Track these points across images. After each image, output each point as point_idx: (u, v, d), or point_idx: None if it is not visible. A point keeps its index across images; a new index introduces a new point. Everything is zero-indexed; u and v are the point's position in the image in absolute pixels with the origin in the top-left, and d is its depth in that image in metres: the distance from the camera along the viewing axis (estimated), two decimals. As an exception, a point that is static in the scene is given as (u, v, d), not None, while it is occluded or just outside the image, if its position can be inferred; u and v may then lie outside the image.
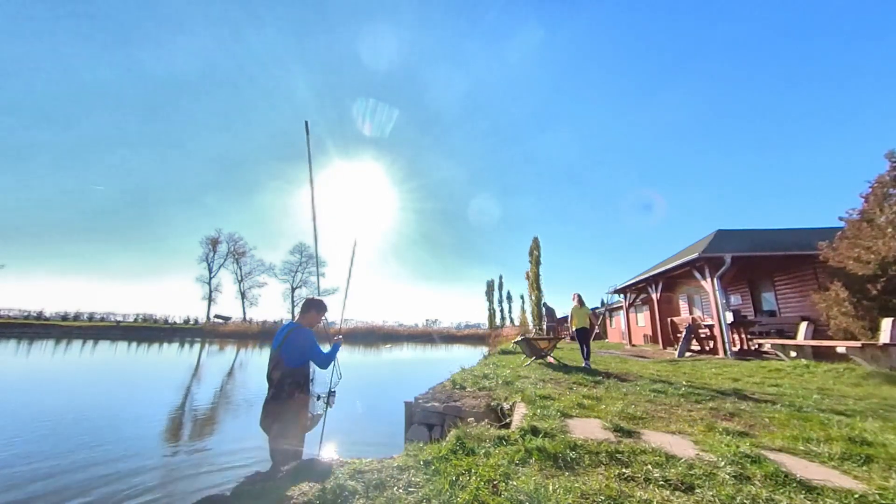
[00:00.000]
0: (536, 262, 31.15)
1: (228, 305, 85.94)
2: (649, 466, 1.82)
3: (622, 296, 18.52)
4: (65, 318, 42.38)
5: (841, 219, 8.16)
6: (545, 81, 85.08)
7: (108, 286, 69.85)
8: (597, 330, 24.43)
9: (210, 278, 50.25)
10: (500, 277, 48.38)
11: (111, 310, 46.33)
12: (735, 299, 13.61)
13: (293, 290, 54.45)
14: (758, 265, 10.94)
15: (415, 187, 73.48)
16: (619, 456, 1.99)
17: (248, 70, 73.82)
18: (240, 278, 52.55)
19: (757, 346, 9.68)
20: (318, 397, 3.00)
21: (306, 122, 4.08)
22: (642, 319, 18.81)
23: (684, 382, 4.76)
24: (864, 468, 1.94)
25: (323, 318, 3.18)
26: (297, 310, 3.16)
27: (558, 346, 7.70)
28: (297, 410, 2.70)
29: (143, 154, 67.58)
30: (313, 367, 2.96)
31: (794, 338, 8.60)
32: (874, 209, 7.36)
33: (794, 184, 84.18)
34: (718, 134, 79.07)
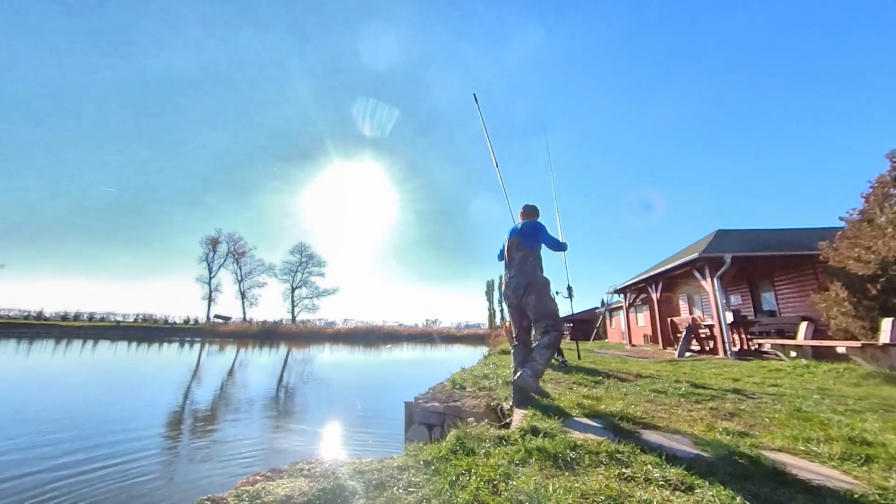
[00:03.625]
0: (536, 262, 31.10)
1: (228, 305, 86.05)
2: (649, 466, 1.82)
3: (622, 296, 18.51)
4: (65, 318, 42.38)
5: (841, 219, 8.15)
6: (544, 81, 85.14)
7: (108, 286, 70.03)
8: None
9: (210, 278, 50.35)
10: (501, 277, 48.43)
11: (111, 310, 46.49)
12: (735, 299, 13.61)
13: (293, 290, 54.50)
14: (758, 265, 10.94)
15: (415, 187, 73.65)
16: (619, 456, 1.98)
17: (248, 70, 73.90)
18: (240, 278, 52.64)
19: (757, 346, 9.68)
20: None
21: (475, 95, 5.06)
22: (642, 319, 18.81)
23: (684, 382, 4.76)
24: (864, 468, 1.94)
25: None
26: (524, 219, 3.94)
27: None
28: (546, 283, 3.41)
29: (142, 154, 67.75)
30: None
31: (794, 338, 8.60)
32: (874, 209, 7.35)
33: (794, 184, 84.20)
34: (719, 134, 79.10)
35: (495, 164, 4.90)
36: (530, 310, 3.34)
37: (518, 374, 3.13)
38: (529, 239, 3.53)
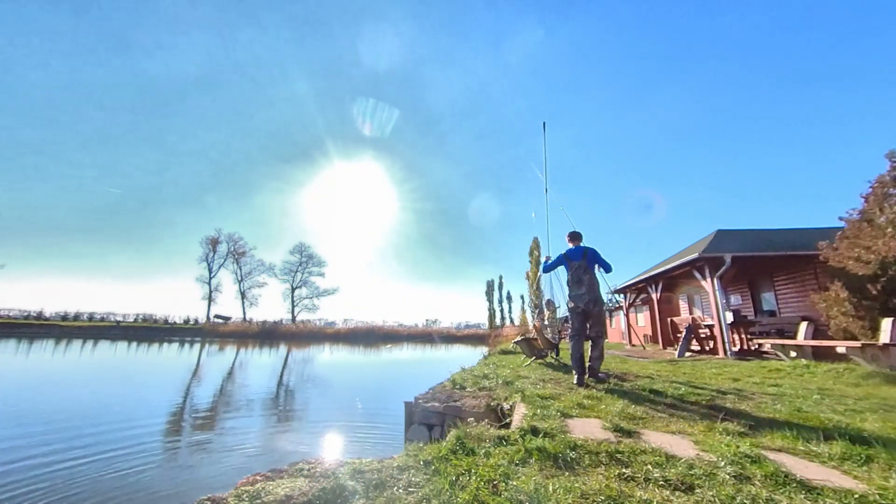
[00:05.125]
0: (536, 263, 31.11)
1: (228, 305, 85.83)
2: (649, 466, 1.82)
3: (622, 296, 18.50)
4: (65, 318, 42.37)
5: (841, 219, 8.15)
6: (544, 81, 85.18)
7: (108, 286, 70.05)
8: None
9: (210, 278, 50.32)
10: (500, 277, 48.32)
11: (111, 310, 46.38)
12: (735, 299, 13.61)
13: (293, 290, 54.49)
14: (758, 265, 10.93)
15: (415, 187, 73.71)
16: (619, 456, 1.98)
17: (248, 70, 73.89)
18: (240, 278, 52.62)
19: (757, 346, 9.67)
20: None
21: (544, 123, 6.10)
22: (642, 319, 18.80)
23: (684, 382, 4.76)
24: (864, 468, 1.94)
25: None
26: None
27: (558, 345, 7.70)
28: (604, 300, 4.86)
29: (143, 154, 67.69)
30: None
31: (794, 338, 8.59)
32: (874, 209, 7.35)
33: (794, 184, 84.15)
34: (718, 134, 79.10)
35: (545, 190, 6.38)
36: (592, 317, 4.73)
37: (589, 372, 4.66)
38: (593, 264, 4.81)
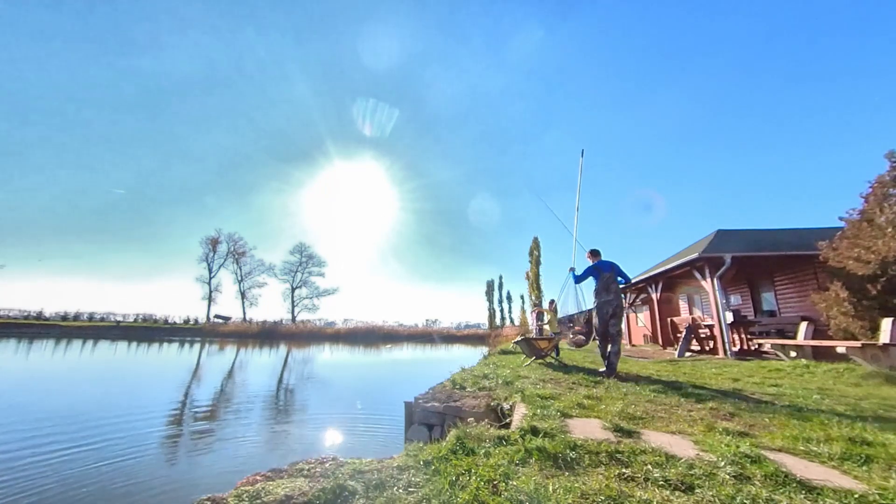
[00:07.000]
0: (536, 263, 31.13)
1: (228, 305, 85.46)
2: (649, 466, 1.82)
3: (622, 296, 18.50)
4: (65, 318, 42.36)
5: (841, 219, 8.15)
6: (544, 82, 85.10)
7: (108, 286, 69.95)
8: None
9: (210, 278, 50.24)
10: (500, 277, 48.25)
11: (111, 310, 46.28)
12: (735, 299, 13.61)
13: (293, 290, 54.44)
14: (758, 265, 10.94)
15: (415, 187, 73.48)
16: (619, 456, 1.98)
17: (248, 71, 73.71)
18: (240, 278, 52.54)
19: (757, 346, 9.67)
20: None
21: (582, 150, 7.11)
22: (642, 319, 18.77)
23: (684, 382, 4.76)
24: (864, 468, 1.94)
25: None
26: (603, 255, 6.00)
27: (558, 345, 7.71)
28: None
29: (142, 154, 67.63)
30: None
31: (794, 338, 8.59)
32: (874, 209, 7.35)
33: (794, 184, 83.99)
34: (718, 134, 78.93)
35: (576, 209, 7.04)
36: (616, 318, 5.52)
37: (607, 369, 5.32)
38: (618, 275, 5.71)
